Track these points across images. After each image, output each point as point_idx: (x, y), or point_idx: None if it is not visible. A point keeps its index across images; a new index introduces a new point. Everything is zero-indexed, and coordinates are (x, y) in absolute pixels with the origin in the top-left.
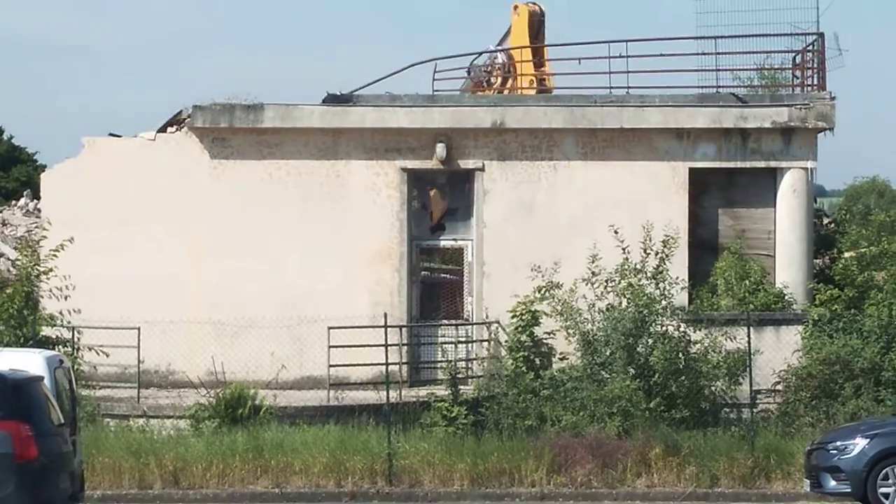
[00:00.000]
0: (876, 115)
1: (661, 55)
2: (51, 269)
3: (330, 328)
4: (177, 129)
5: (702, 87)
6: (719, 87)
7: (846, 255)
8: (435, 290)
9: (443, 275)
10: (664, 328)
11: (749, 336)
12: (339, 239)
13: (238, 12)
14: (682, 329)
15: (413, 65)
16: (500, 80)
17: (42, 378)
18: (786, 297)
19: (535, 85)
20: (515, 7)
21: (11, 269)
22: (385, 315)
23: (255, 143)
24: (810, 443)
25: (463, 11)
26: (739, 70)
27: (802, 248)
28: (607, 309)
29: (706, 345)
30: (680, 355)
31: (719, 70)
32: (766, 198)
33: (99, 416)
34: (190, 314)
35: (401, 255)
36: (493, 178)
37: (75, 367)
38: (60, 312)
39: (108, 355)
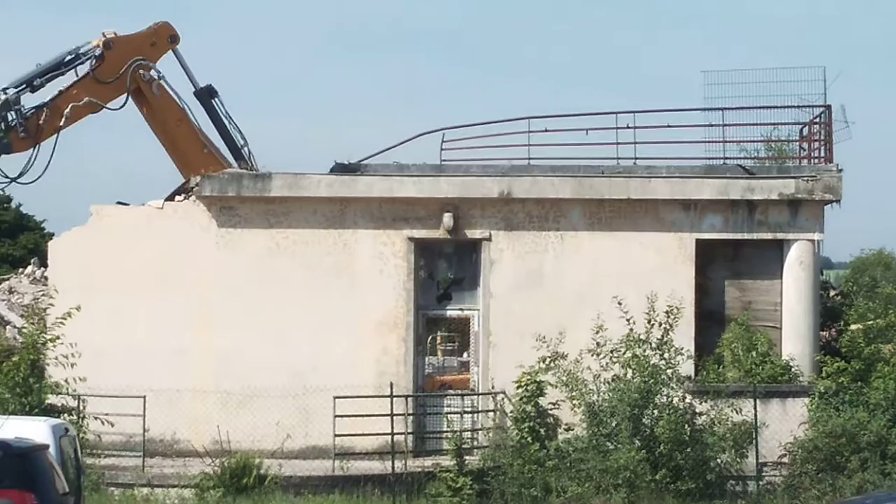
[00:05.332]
0: (883, 187)
1: (669, 126)
2: (57, 337)
3: (336, 398)
4: (185, 198)
5: (709, 158)
6: (726, 158)
7: (853, 327)
8: None
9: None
10: (670, 399)
11: (755, 408)
12: (346, 308)
13: (244, 78)
14: (687, 400)
15: (421, 134)
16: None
17: (47, 446)
18: (792, 370)
19: None
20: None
21: (18, 336)
22: (391, 385)
23: (263, 212)
24: None
25: (471, 80)
26: (746, 142)
27: (809, 320)
28: (613, 379)
29: (712, 416)
30: (686, 427)
31: (726, 141)
32: (772, 269)
33: (104, 485)
34: (195, 383)
35: (407, 324)
36: (499, 247)
37: (80, 435)
38: (66, 380)
39: (112, 424)
